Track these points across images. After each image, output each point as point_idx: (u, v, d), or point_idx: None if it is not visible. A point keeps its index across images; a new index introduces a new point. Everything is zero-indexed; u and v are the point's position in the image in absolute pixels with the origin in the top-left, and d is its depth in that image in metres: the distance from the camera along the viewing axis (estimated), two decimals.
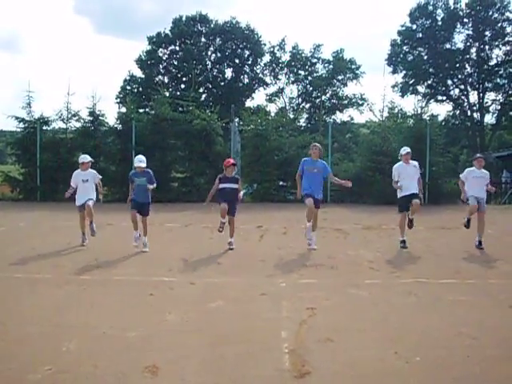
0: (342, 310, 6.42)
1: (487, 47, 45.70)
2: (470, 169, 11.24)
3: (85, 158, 11.02)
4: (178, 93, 42.55)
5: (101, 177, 11.11)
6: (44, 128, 22.80)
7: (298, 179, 10.51)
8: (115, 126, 23.19)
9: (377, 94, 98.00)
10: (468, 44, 45.84)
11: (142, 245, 10.17)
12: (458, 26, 45.28)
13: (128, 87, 50.88)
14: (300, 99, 53.83)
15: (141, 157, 10.40)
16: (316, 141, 21.93)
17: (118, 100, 48.33)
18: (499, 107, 46.65)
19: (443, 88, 48.26)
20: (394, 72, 47.81)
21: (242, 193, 10.63)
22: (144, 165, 10.25)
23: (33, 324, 5.77)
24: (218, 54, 52.53)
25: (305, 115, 51.01)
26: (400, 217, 10.77)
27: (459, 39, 48.26)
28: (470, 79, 46.95)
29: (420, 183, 10.94)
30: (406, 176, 10.70)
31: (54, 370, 4.49)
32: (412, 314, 6.26)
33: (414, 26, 46.59)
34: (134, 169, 10.57)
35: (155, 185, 10.41)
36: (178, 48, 51.32)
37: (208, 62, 52.66)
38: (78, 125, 23.00)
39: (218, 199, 10.28)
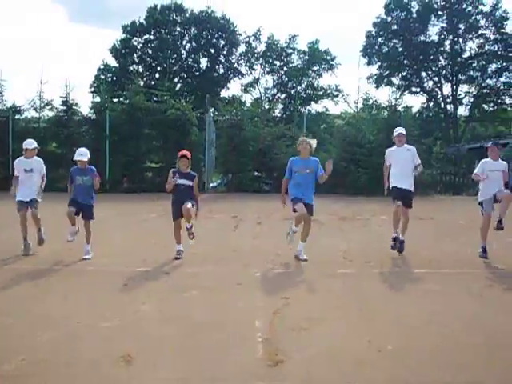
0: (316, 299, 6.47)
1: (461, 40, 46.06)
2: (484, 160, 9.20)
3: (29, 144, 9.25)
4: (153, 82, 42.13)
5: (45, 172, 9.36)
6: (16, 117, 22.58)
7: (285, 184, 8.81)
8: (89, 115, 23.16)
9: (352, 85, 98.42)
10: (442, 36, 46.12)
11: (84, 252, 8.81)
12: (433, 18, 45.50)
13: (102, 76, 50.29)
14: (275, 90, 53.68)
15: (82, 149, 8.96)
16: (292, 132, 22.15)
17: (92, 89, 47.79)
18: (472, 99, 47.13)
19: (417, 80, 48.56)
20: (369, 63, 47.96)
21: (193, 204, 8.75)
22: (85, 158, 8.82)
23: (6, 314, 5.72)
24: (193, 44, 52.08)
25: (280, 106, 51.05)
26: (394, 208, 9.39)
27: (433, 32, 48.44)
28: (444, 71, 47.29)
29: (418, 171, 9.32)
30: (398, 161, 9.27)
31: (27, 360, 4.47)
32: (385, 302, 6.34)
33: (389, 18, 46.70)
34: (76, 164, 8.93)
35: (98, 183, 8.97)
36: (152, 37, 50.78)
37: (183, 52, 52.22)
38: (51, 114, 22.91)
39: (172, 205, 8.95)
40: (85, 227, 8.93)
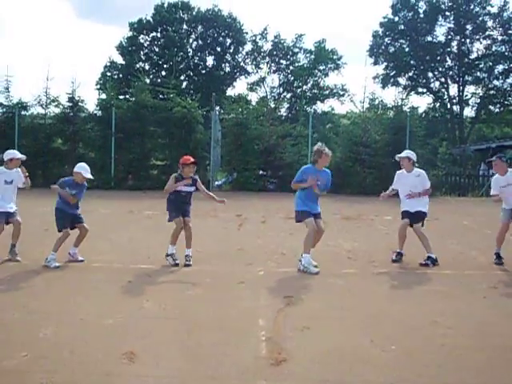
0: (319, 298, 6.46)
1: (468, 41, 45.97)
2: (495, 177, 8.72)
3: (14, 154, 8.51)
4: (159, 80, 42.30)
5: (24, 180, 8.71)
6: (23, 113, 22.62)
7: (295, 186, 8.26)
8: (95, 112, 23.15)
9: (358, 84, 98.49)
10: (449, 37, 46.04)
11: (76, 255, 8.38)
12: (440, 18, 45.44)
13: (108, 73, 50.41)
14: (281, 89, 53.66)
15: (85, 165, 8.30)
16: (297, 131, 22.14)
17: (98, 86, 47.88)
18: (478, 100, 47.03)
19: (424, 80, 48.50)
20: (376, 63, 47.95)
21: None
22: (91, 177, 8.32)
23: (9, 310, 5.73)
24: (200, 42, 52.16)
25: (286, 105, 51.02)
26: (400, 225, 8.83)
27: (440, 32, 48.71)
28: (451, 72, 47.20)
29: (427, 193, 8.77)
30: (406, 187, 8.71)
31: (30, 356, 4.48)
32: (388, 303, 6.33)
33: (396, 18, 46.66)
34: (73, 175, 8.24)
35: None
36: (159, 35, 50.86)
37: (189, 50, 52.30)
38: (57, 110, 22.90)
39: (170, 207, 8.28)
40: (80, 231, 8.43)
